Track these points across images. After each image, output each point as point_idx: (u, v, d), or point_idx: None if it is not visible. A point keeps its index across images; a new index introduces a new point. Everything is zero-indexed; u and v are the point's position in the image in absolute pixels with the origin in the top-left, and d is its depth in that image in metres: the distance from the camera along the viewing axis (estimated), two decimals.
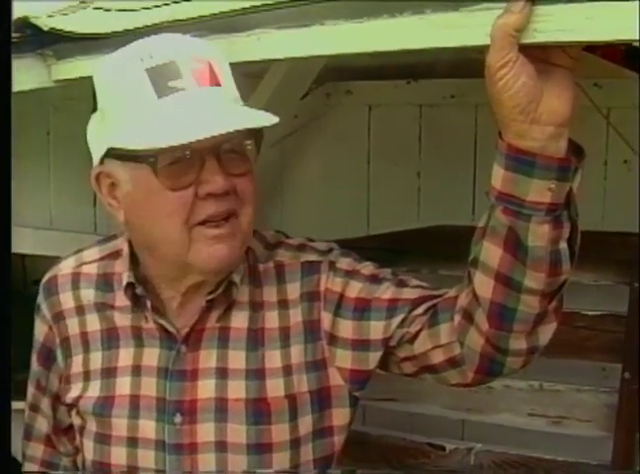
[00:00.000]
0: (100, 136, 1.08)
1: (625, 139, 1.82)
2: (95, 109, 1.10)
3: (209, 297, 1.11)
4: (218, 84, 1.03)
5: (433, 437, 2.04)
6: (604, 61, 1.91)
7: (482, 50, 0.94)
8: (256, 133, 1.05)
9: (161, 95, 1.01)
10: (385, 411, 2.10)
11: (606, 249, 1.85)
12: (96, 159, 1.09)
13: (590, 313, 1.90)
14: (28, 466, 1.28)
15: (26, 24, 1.52)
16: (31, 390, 1.26)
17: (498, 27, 0.85)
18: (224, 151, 1.03)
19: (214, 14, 1.20)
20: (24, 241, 2.14)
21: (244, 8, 1.16)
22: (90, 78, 1.50)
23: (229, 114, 1.02)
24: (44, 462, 1.27)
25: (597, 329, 1.88)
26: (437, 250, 2.04)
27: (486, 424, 2.01)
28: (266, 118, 1.02)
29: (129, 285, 1.13)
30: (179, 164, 1.02)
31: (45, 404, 1.25)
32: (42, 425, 1.26)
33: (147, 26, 1.31)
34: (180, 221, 1.03)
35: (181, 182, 1.02)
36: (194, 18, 1.24)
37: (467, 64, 1.85)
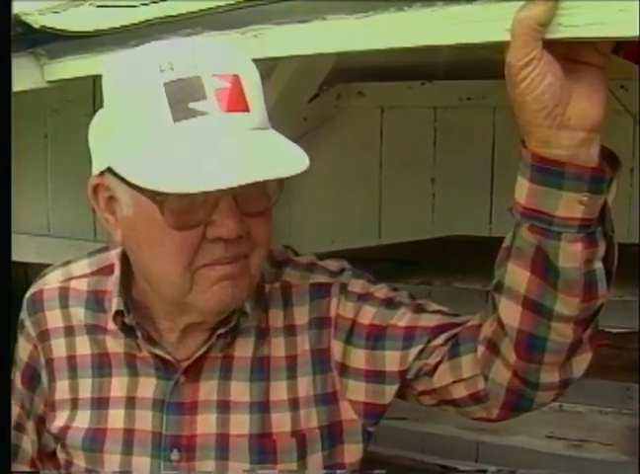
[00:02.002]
0: (102, 148, 0.96)
1: None
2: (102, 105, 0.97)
3: (221, 331, 1.02)
4: (246, 108, 0.90)
5: (445, 459, 1.96)
6: (628, 62, 1.82)
7: (501, 50, 0.85)
8: None
9: (178, 118, 0.87)
10: (396, 430, 2.01)
11: (632, 262, 1.75)
12: (95, 169, 0.97)
13: (614, 330, 1.81)
14: None
15: (17, 21, 1.46)
16: (15, 409, 1.17)
17: (519, 20, 0.75)
18: (245, 190, 0.88)
19: (209, 9, 1.12)
20: (21, 248, 2.08)
21: (240, 2, 1.07)
22: (86, 78, 1.44)
23: (256, 157, 0.88)
24: None
25: (621, 347, 1.79)
26: (451, 261, 1.98)
27: (502, 445, 1.93)
28: (297, 164, 0.88)
29: (119, 313, 1.03)
30: (189, 200, 0.89)
31: (30, 427, 1.17)
32: (29, 445, 1.18)
33: (142, 22, 1.24)
34: (183, 264, 0.92)
35: (189, 220, 0.91)
36: (188, 13, 1.16)
37: (485, 65, 1.78)
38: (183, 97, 0.87)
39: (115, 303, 1.03)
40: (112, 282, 1.08)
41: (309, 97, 2.12)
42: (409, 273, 1.90)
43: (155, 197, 0.89)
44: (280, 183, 0.93)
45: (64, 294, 1.11)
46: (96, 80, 1.80)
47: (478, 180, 2.08)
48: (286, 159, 0.90)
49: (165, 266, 0.93)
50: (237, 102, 0.89)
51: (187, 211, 0.90)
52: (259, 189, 0.92)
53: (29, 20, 1.46)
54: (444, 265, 1.98)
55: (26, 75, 1.47)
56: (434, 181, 2.18)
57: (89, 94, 2.06)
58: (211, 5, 1.11)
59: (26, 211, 2.18)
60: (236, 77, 0.90)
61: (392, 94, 2.19)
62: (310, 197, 2.30)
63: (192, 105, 0.87)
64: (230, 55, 0.93)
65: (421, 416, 1.95)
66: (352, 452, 1.07)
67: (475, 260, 1.93)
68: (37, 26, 1.44)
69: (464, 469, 1.93)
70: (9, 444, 1.06)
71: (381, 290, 1.05)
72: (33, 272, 2.23)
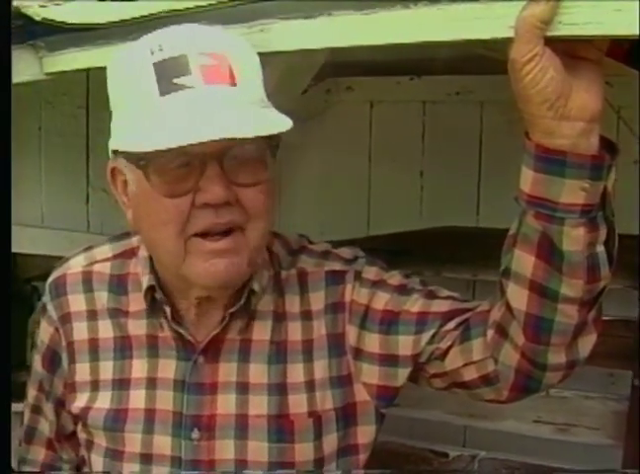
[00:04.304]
0: (111, 132, 1.02)
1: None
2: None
3: (232, 310, 1.05)
4: (233, 83, 0.94)
5: (435, 444, 1.99)
6: (611, 60, 1.86)
7: (489, 46, 0.88)
8: (270, 137, 0.96)
9: (164, 92, 0.93)
10: (386, 416, 2.04)
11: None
12: (110, 154, 1.03)
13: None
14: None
15: (17, 14, 1.47)
16: (32, 392, 1.21)
17: (523, 19, 0.80)
18: (232, 157, 0.94)
19: (215, 3, 1.14)
20: (14, 239, 2.08)
21: None
22: (83, 71, 1.46)
23: (233, 117, 0.92)
24: (46, 466, 1.22)
25: (605, 334, 1.81)
26: (440, 252, 2.00)
27: (490, 430, 1.96)
28: (275, 124, 0.92)
29: (150, 289, 1.07)
30: (177, 169, 0.94)
31: (49, 408, 1.20)
32: (45, 427, 1.21)
33: (144, 16, 1.25)
34: (175, 231, 0.96)
35: (177, 188, 0.95)
36: (192, 8, 1.18)
37: (473, 60, 1.81)
38: (169, 73, 0.93)
39: (146, 280, 1.07)
40: (134, 264, 1.11)
41: (301, 91, 2.14)
42: (398, 263, 1.93)
43: (139, 162, 0.95)
44: (272, 155, 0.97)
45: (88, 278, 1.14)
46: (90, 73, 1.82)
47: (465, 173, 2.11)
48: (261, 122, 0.93)
49: (161, 234, 0.98)
50: (221, 76, 0.94)
51: (175, 180, 0.95)
52: (251, 159, 0.96)
53: (29, 12, 1.47)
54: (433, 255, 1.99)
55: (24, 67, 1.48)
56: (422, 173, 2.20)
57: (83, 87, 2.07)
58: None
59: (20, 203, 2.18)
60: (223, 55, 0.95)
61: (381, 89, 2.21)
62: (299, 190, 2.32)
63: (176, 80, 0.93)
64: (220, 36, 0.99)
65: (410, 402, 1.98)
66: (365, 433, 1.10)
67: (463, 250, 1.97)
68: (38, 18, 1.45)
69: (453, 454, 1.96)
70: (9, 444, 1.06)
71: (394, 277, 1.09)
72: (22, 261, 2.24)
